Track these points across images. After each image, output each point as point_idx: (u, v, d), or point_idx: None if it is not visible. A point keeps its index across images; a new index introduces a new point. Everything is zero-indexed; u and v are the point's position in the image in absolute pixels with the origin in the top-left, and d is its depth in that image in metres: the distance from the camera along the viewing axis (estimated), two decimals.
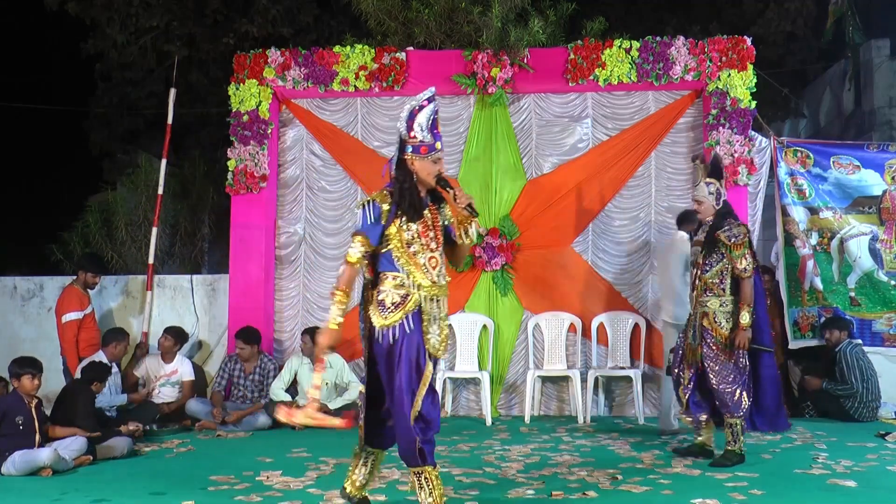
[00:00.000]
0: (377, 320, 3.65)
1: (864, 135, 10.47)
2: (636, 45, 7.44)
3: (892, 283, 7.63)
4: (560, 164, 7.74)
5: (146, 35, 10.35)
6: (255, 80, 7.70)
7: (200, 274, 8.74)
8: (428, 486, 3.67)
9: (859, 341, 7.40)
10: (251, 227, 7.67)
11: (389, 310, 3.64)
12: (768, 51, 10.81)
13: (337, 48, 7.74)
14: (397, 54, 7.64)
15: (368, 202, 3.69)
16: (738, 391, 5.20)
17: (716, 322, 5.23)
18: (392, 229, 3.67)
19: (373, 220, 3.65)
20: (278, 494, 4.44)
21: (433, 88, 3.74)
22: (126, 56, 10.42)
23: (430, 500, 3.65)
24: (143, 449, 5.88)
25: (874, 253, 7.67)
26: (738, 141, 7.27)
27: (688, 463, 5.28)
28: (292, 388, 7.11)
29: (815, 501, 4.31)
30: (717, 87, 7.34)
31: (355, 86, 7.67)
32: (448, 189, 3.77)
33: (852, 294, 7.68)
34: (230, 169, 7.66)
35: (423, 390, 3.65)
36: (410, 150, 3.69)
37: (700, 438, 5.45)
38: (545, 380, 7.63)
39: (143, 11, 10.10)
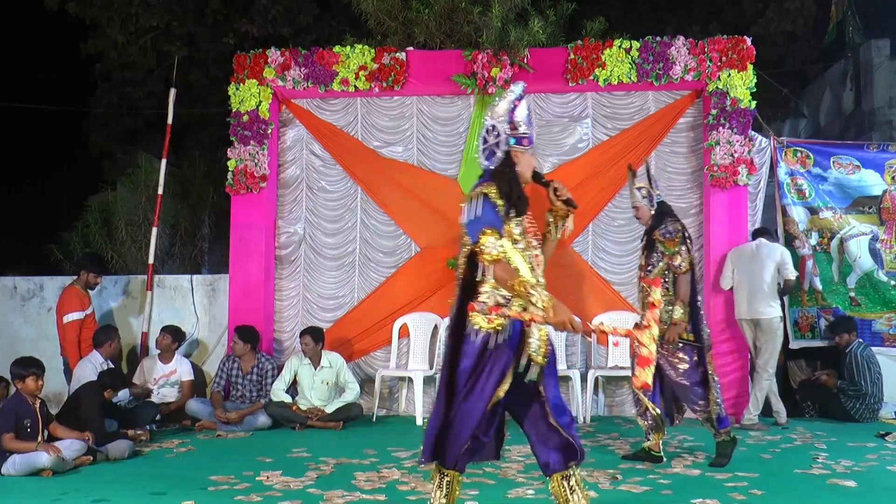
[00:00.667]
0: (479, 322, 3.41)
1: (864, 135, 10.48)
2: (636, 45, 7.44)
3: (892, 283, 7.63)
4: (560, 164, 7.74)
5: (146, 35, 10.36)
6: (255, 80, 7.70)
7: (200, 274, 8.74)
8: (577, 489, 3.44)
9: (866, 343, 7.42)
10: (251, 227, 7.66)
11: (494, 312, 3.42)
12: (768, 51, 10.82)
13: (337, 48, 7.74)
14: (397, 54, 7.64)
15: (483, 196, 3.43)
16: (700, 385, 5.21)
17: (661, 321, 5.22)
18: (505, 224, 3.45)
19: (488, 214, 3.39)
20: (278, 494, 4.44)
21: (523, 83, 3.66)
22: (126, 56, 10.43)
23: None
24: (143, 449, 5.88)
25: (874, 253, 7.67)
26: (738, 141, 7.27)
27: (687, 463, 5.28)
28: (292, 389, 7.10)
29: (815, 501, 4.32)
30: (717, 87, 7.34)
31: (355, 86, 7.66)
32: (544, 183, 3.60)
33: (852, 294, 7.68)
34: (230, 169, 7.66)
35: (499, 394, 3.37)
36: (514, 142, 3.50)
37: (647, 443, 5.40)
38: None
39: (143, 11, 10.11)
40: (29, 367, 5.33)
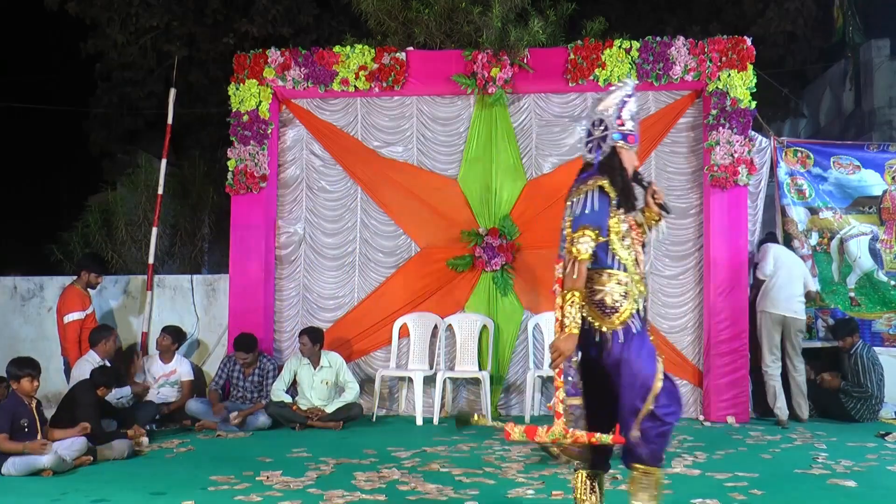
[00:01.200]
0: (598, 322, 3.34)
1: (864, 135, 10.48)
2: (636, 45, 7.43)
3: (892, 283, 7.63)
4: (560, 164, 7.74)
5: (146, 35, 10.36)
6: (255, 80, 7.69)
7: (200, 274, 8.73)
8: (655, 485, 3.39)
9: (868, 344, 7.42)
10: (251, 227, 7.66)
11: (612, 309, 3.35)
12: (768, 51, 10.83)
13: (337, 48, 7.73)
14: (397, 54, 7.64)
15: (597, 189, 3.37)
16: None
17: None
18: (612, 220, 3.42)
19: (603, 209, 3.36)
20: (278, 494, 4.44)
21: (635, 80, 3.60)
22: (126, 56, 10.43)
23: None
24: (143, 449, 5.87)
25: (874, 253, 7.67)
26: (738, 141, 7.26)
27: (687, 463, 5.28)
28: (292, 389, 7.10)
29: (815, 501, 4.32)
30: (717, 88, 7.33)
31: (355, 86, 7.66)
32: (644, 184, 3.58)
33: (852, 294, 7.68)
34: (230, 169, 7.66)
35: (657, 387, 3.31)
36: (619, 137, 3.47)
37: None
38: (545, 380, 7.62)
39: (143, 11, 10.12)
40: (24, 367, 5.32)
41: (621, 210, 3.44)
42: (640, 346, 3.35)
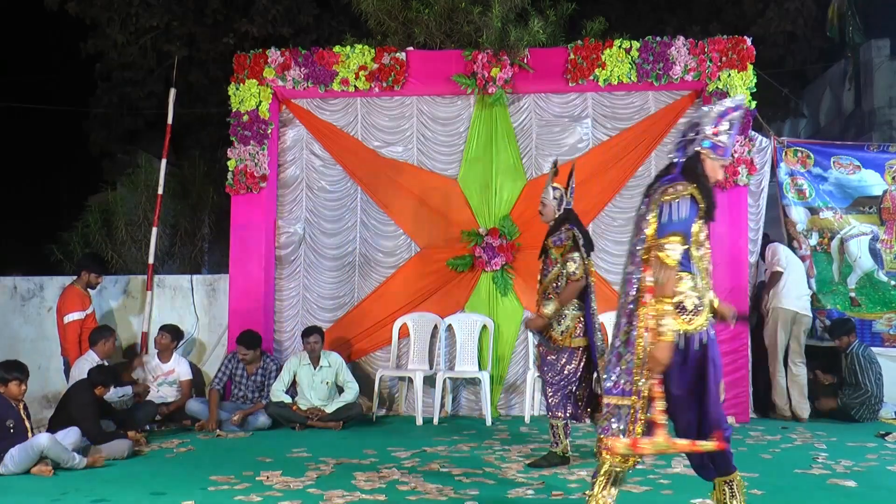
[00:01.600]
0: (680, 325, 3.35)
1: (864, 135, 10.48)
2: (636, 45, 7.44)
3: (892, 283, 7.63)
4: (560, 164, 7.71)
5: (146, 35, 10.37)
6: (255, 80, 7.70)
7: (200, 274, 8.73)
8: (739, 493, 3.46)
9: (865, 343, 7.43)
10: (251, 227, 7.66)
11: (693, 313, 3.37)
12: (768, 51, 10.83)
13: (337, 48, 7.74)
14: (397, 54, 7.64)
15: (689, 197, 3.38)
16: (558, 394, 5.25)
17: (550, 326, 5.27)
18: (695, 227, 3.42)
19: (691, 217, 3.36)
20: (278, 494, 4.44)
21: (745, 97, 3.59)
22: (126, 56, 10.44)
23: None
24: (143, 449, 5.87)
25: (874, 253, 7.67)
26: (738, 141, 7.26)
27: (687, 463, 5.26)
28: (292, 389, 7.10)
29: (815, 501, 4.32)
30: (717, 88, 7.33)
31: (355, 86, 7.66)
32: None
33: (852, 294, 7.68)
34: (230, 169, 7.66)
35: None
36: (709, 145, 3.47)
37: (558, 447, 5.39)
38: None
39: (143, 11, 10.12)
40: (12, 371, 5.32)
41: (703, 218, 3.46)
42: (717, 347, 3.45)
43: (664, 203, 3.38)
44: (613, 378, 3.42)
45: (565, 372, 5.25)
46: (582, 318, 5.26)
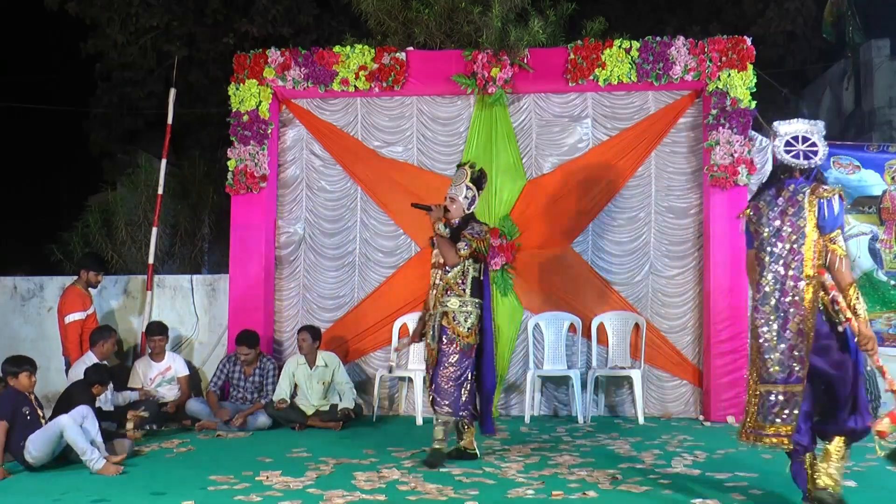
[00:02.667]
0: (838, 315, 3.84)
1: (864, 135, 10.49)
2: (636, 45, 7.44)
3: (892, 283, 7.64)
4: (560, 164, 7.74)
5: (146, 35, 10.38)
6: (255, 80, 7.70)
7: (200, 274, 8.73)
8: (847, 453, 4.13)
9: None
10: (251, 227, 7.66)
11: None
12: (768, 51, 10.84)
13: (337, 48, 7.74)
14: (397, 54, 7.64)
15: (841, 195, 3.92)
16: (459, 391, 5.34)
17: (454, 321, 5.36)
18: None
19: (842, 213, 3.92)
20: (278, 494, 4.44)
21: (824, 122, 4.29)
22: (126, 56, 10.45)
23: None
24: (143, 449, 5.88)
25: (874, 253, 7.68)
26: (738, 141, 7.26)
27: (687, 463, 5.28)
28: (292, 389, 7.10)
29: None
30: (717, 87, 7.34)
31: (355, 86, 7.66)
32: None
33: None
34: (230, 169, 7.66)
35: None
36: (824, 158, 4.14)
37: (462, 442, 5.49)
38: (545, 380, 7.63)
39: (143, 11, 10.14)
40: (22, 364, 5.38)
41: None
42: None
43: (825, 201, 3.87)
44: (795, 367, 3.85)
45: (463, 367, 5.35)
46: (481, 317, 5.42)
